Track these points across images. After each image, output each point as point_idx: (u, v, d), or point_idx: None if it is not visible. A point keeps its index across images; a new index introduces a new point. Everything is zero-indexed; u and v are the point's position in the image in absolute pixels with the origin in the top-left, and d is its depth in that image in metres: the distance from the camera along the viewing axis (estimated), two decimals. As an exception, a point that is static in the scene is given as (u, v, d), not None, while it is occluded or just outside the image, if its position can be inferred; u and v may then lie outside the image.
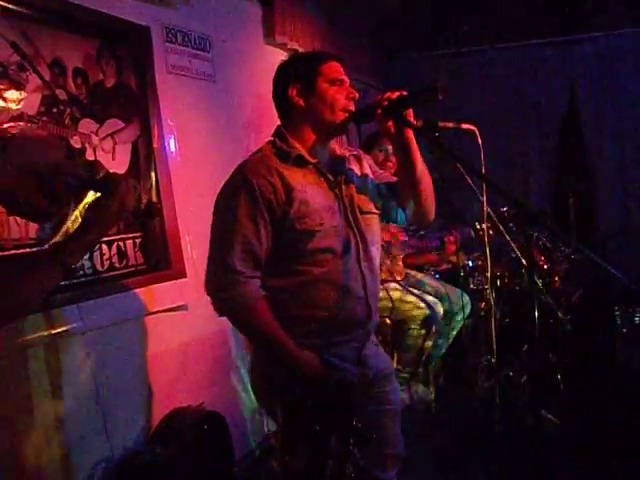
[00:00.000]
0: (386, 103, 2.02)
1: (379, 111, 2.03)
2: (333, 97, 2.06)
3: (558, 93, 6.06)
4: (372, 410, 2.17)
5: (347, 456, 1.82)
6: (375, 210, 2.22)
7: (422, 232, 4.55)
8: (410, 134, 2.06)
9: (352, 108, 2.09)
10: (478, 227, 3.98)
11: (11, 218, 2.40)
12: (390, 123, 2.04)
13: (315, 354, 2.04)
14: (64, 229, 1.43)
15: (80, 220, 1.43)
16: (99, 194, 1.47)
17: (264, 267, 2.06)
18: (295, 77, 2.09)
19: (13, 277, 1.33)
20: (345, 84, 2.10)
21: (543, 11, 5.72)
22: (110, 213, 1.44)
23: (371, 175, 2.27)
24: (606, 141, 5.99)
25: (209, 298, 2.06)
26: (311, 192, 2.04)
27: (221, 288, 2.01)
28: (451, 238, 4.48)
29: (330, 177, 2.12)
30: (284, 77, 2.13)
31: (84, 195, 1.46)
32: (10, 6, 2.45)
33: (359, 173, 2.23)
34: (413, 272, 4.36)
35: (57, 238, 1.41)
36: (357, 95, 2.11)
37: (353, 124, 2.33)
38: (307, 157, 2.08)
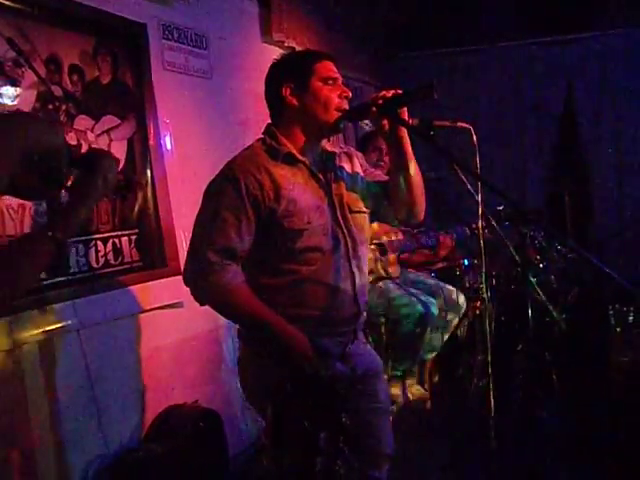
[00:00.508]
0: (381, 101, 2.02)
1: (374, 109, 2.03)
2: (327, 96, 2.05)
3: (555, 93, 6.06)
4: (362, 408, 2.17)
5: (337, 454, 1.82)
6: (365, 209, 2.22)
7: (416, 230, 4.55)
8: (404, 132, 2.07)
9: (346, 107, 2.08)
10: (474, 226, 3.97)
11: (6, 214, 2.41)
12: (385, 121, 2.05)
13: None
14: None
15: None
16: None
17: (255, 266, 2.07)
18: (288, 76, 2.08)
19: (8, 260, 1.35)
20: (338, 83, 2.09)
21: (541, 11, 5.72)
22: (95, 188, 1.47)
23: (362, 173, 2.27)
24: (603, 141, 6.00)
25: (187, 286, 2.07)
26: (299, 190, 2.04)
27: (197, 278, 2.02)
28: (447, 237, 4.47)
29: (320, 176, 2.11)
30: (277, 76, 2.12)
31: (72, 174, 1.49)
32: (6, 2, 2.45)
33: (350, 171, 2.23)
34: (408, 270, 4.36)
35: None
36: (350, 94, 2.10)
37: (350, 123, 2.33)
38: (297, 155, 2.08)
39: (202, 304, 2.07)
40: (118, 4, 2.97)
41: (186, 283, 2.07)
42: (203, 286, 2.01)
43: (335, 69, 2.11)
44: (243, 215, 1.99)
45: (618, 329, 4.24)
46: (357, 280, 2.13)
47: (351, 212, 2.15)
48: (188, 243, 2.11)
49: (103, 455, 2.76)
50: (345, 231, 2.11)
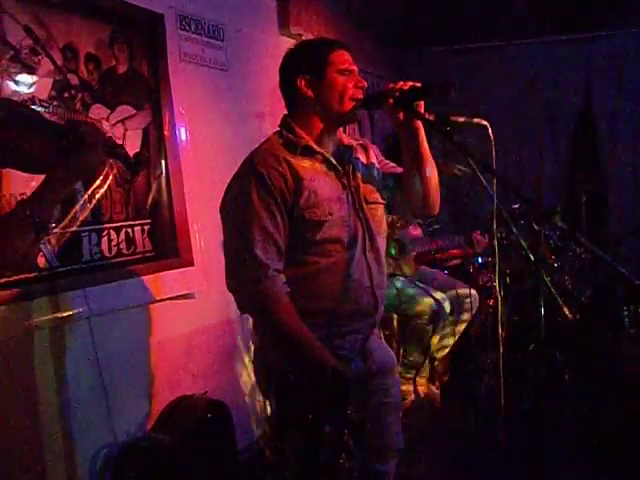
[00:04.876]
0: (398, 93, 2.00)
1: (390, 101, 2.02)
2: (343, 86, 2.03)
3: (573, 91, 6.01)
4: (374, 403, 2.17)
5: (341, 446, 1.81)
6: (381, 200, 2.20)
7: (432, 228, 4.55)
8: (419, 125, 2.05)
9: (361, 97, 2.06)
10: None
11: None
12: (400, 113, 2.03)
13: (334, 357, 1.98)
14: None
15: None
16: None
17: None
18: (304, 67, 2.06)
19: None
20: (354, 73, 2.07)
21: (559, 9, 5.68)
22: (78, 166, 1.45)
23: (377, 165, 2.26)
24: (620, 140, 5.94)
25: (233, 293, 2.01)
26: (320, 182, 2.02)
27: (250, 281, 1.95)
28: (478, 237, 4.45)
29: (338, 167, 2.10)
30: (292, 67, 2.10)
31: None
32: (24, -10, 2.46)
33: (365, 162, 2.21)
34: (422, 267, 4.35)
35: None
36: (366, 84, 2.09)
37: (366, 113, 2.31)
38: (315, 147, 2.06)
39: (245, 311, 2.03)
40: (136, -7, 2.97)
41: (233, 287, 2.01)
42: (257, 290, 1.94)
43: (351, 59, 2.08)
44: (275, 208, 1.96)
45: (632, 330, 4.21)
46: (374, 272, 2.11)
47: (367, 203, 2.14)
48: (225, 251, 2.03)
49: (111, 444, 2.77)
50: (363, 222, 2.10)
